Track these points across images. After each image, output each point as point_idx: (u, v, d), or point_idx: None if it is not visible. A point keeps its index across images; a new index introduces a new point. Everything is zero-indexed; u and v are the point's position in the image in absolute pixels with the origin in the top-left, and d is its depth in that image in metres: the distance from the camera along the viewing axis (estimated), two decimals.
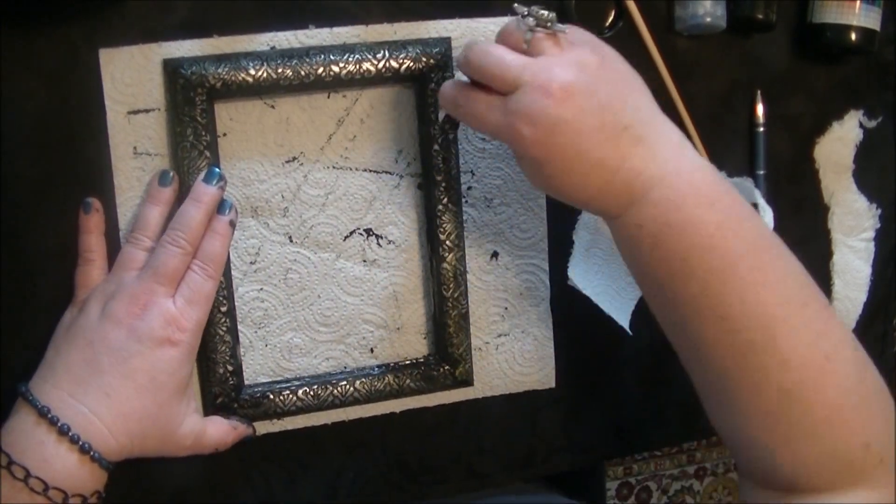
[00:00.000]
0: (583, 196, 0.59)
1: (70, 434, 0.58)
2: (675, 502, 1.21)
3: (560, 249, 0.73)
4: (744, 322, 0.57)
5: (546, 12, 0.58)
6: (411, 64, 0.66)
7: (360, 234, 0.70)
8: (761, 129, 0.76)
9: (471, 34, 0.69)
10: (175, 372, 0.62)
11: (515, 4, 0.58)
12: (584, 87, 0.56)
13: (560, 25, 0.58)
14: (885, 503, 0.58)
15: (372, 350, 0.72)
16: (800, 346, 0.57)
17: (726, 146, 0.76)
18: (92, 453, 0.59)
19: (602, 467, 0.87)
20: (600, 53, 0.58)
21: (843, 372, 0.58)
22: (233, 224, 0.64)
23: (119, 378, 0.60)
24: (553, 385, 0.75)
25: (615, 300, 0.72)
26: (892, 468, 0.59)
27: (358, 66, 0.65)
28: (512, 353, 0.74)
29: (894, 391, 0.63)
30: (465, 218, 0.70)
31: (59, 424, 0.58)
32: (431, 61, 0.67)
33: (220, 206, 0.64)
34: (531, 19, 0.57)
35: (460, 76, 0.61)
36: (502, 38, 0.59)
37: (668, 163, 0.57)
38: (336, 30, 0.67)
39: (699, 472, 1.78)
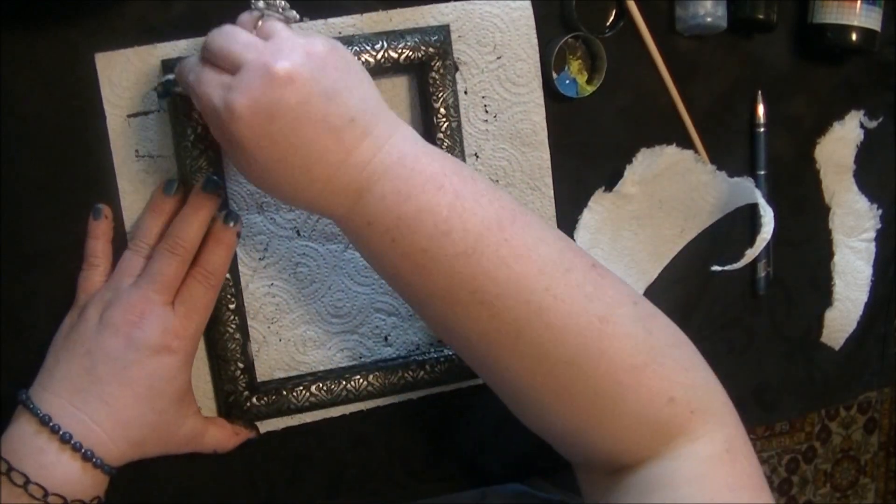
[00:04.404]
0: (304, 194, 0.52)
1: (72, 442, 0.55)
2: None
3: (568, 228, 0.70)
4: (504, 302, 0.51)
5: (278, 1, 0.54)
6: (410, 53, 0.62)
7: None
8: (762, 129, 0.72)
9: (467, 18, 0.65)
10: (173, 379, 0.59)
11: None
12: (310, 74, 0.50)
13: (293, 14, 0.53)
14: (710, 453, 0.52)
15: (386, 338, 0.68)
16: (570, 314, 0.51)
17: (727, 147, 0.72)
18: (94, 460, 0.56)
19: None
20: (330, 44, 0.52)
21: (625, 331, 0.52)
22: (238, 235, 0.61)
23: (118, 387, 0.57)
24: None
25: None
26: (708, 416, 0.53)
27: (357, 59, 0.60)
28: None
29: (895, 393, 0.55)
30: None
31: (60, 433, 0.55)
32: (431, 49, 0.63)
33: (226, 216, 0.60)
34: (262, 3, 0.53)
35: None
36: (239, 25, 0.54)
37: (393, 153, 0.51)
38: (331, 21, 0.63)
39: None
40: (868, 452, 1.79)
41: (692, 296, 0.73)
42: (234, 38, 0.51)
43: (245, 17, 0.54)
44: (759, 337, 0.78)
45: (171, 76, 0.58)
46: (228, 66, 0.51)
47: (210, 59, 0.52)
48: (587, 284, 0.52)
